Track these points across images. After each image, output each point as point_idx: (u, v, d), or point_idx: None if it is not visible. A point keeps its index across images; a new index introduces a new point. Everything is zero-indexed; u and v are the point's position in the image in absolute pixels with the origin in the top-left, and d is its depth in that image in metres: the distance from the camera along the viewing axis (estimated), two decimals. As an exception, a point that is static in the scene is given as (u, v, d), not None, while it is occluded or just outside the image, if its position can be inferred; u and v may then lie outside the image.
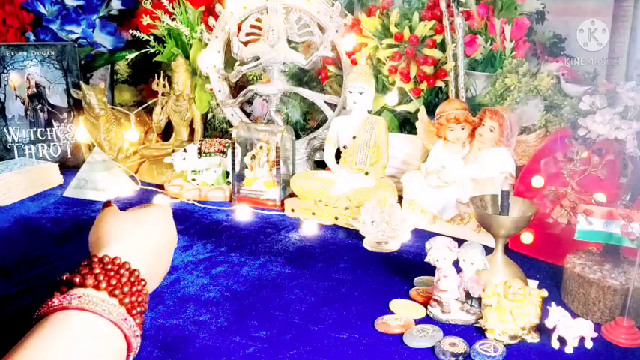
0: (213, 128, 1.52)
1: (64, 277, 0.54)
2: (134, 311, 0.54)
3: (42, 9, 1.57)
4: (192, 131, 1.48)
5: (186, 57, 1.44)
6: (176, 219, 1.15)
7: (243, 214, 1.16)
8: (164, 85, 1.48)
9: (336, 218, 1.12)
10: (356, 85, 1.14)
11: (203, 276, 0.91)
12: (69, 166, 1.43)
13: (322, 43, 1.26)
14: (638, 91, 0.88)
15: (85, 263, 0.56)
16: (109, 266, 0.56)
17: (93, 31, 1.58)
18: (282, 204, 1.19)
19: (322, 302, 0.83)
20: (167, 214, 0.73)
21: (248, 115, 1.45)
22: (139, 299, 0.55)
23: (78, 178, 1.28)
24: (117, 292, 0.53)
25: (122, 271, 0.56)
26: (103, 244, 0.61)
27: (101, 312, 0.51)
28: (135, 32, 1.49)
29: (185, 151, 1.35)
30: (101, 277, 0.54)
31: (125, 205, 1.23)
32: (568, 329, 0.69)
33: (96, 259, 0.56)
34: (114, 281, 0.54)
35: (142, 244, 0.63)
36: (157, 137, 1.51)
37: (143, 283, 0.57)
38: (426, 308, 0.79)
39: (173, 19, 1.43)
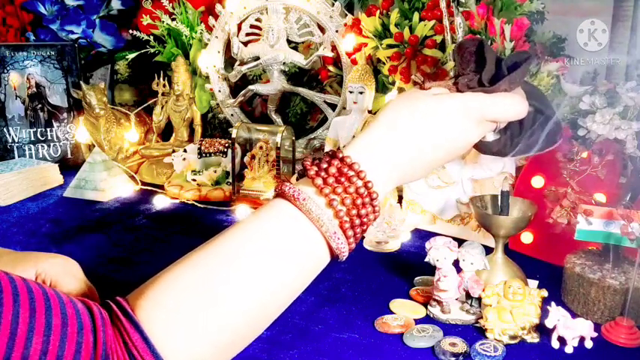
0: (213, 128, 1.52)
1: (311, 161, 0.51)
2: (346, 226, 0.49)
3: (42, 9, 1.57)
4: (192, 131, 1.48)
5: (186, 57, 1.44)
6: (176, 219, 1.17)
7: (243, 214, 1.16)
8: (164, 85, 1.48)
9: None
10: (356, 85, 1.14)
11: (203, 276, 0.91)
12: (69, 166, 1.43)
13: (322, 43, 1.26)
14: (638, 91, 0.88)
15: (330, 154, 0.51)
16: (345, 170, 0.49)
17: (93, 31, 1.58)
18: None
19: (322, 302, 0.83)
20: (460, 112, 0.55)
21: (248, 115, 1.45)
22: (362, 212, 0.50)
23: (78, 178, 1.28)
24: (335, 203, 0.48)
25: (354, 179, 0.49)
26: (363, 134, 0.53)
27: (312, 219, 0.48)
28: (135, 32, 1.49)
29: (185, 151, 1.35)
30: (330, 181, 0.49)
31: (125, 205, 1.25)
32: (568, 329, 0.69)
33: (337, 159, 0.50)
34: (340, 189, 0.49)
35: (403, 145, 0.52)
36: (156, 137, 1.51)
37: (374, 196, 0.50)
38: (426, 308, 0.80)
39: (173, 19, 1.43)
